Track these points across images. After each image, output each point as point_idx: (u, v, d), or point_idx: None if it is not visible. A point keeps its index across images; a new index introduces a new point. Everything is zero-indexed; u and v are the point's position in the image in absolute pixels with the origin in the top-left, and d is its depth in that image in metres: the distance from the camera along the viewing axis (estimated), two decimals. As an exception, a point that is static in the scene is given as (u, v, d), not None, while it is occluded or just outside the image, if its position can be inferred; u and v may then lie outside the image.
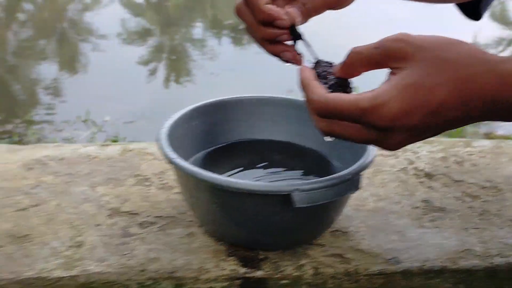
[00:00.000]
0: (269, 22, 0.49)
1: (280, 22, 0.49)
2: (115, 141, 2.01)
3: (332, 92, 0.44)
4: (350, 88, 0.46)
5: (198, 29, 4.12)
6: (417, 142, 0.44)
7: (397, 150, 0.77)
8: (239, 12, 0.51)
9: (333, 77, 0.45)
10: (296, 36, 0.51)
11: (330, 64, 0.47)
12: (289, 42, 0.52)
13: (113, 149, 0.76)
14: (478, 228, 0.62)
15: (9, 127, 2.21)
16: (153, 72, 3.03)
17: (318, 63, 0.48)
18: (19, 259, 0.53)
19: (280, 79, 2.77)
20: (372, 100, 0.40)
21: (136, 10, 4.76)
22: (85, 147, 0.76)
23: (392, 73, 0.42)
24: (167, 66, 3.19)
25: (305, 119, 0.66)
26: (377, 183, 0.70)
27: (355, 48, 0.43)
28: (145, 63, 3.20)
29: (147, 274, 0.52)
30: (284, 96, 0.69)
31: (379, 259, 0.56)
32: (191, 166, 0.51)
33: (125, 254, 0.54)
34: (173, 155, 0.52)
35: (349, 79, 0.46)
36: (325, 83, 0.45)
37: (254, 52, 3.34)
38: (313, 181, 0.49)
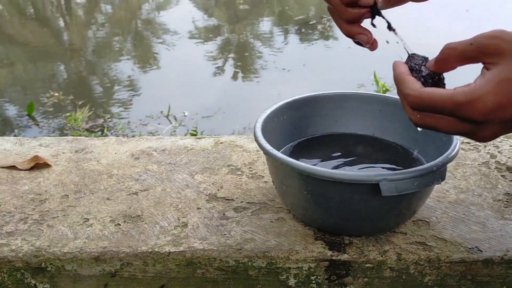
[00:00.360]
0: (354, 2, 0.52)
1: (364, 1, 0.52)
2: (194, 134, 2.12)
3: (425, 86, 0.46)
4: (444, 83, 0.48)
5: (268, 25, 4.18)
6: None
7: (477, 144, 0.78)
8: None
9: (426, 71, 0.47)
10: (377, 13, 0.53)
11: (424, 59, 0.48)
12: (369, 21, 0.54)
13: (207, 142, 0.83)
14: None
15: (100, 121, 2.39)
16: (226, 69, 3.14)
17: (411, 57, 0.49)
18: (134, 235, 0.61)
19: (351, 74, 2.78)
20: (468, 95, 0.42)
21: (206, 9, 4.90)
22: (182, 139, 0.84)
23: (486, 68, 0.43)
24: (240, 63, 3.29)
25: (388, 114, 0.71)
26: (458, 176, 0.72)
27: (449, 44, 0.45)
28: (217, 59, 3.31)
29: (243, 252, 0.58)
30: (366, 92, 0.72)
31: (461, 248, 0.58)
32: (285, 157, 0.56)
33: (224, 234, 0.61)
34: (269, 147, 0.58)
35: (442, 74, 0.48)
36: (418, 77, 0.47)
37: (324, 47, 3.35)
38: (401, 172, 0.52)
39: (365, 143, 0.72)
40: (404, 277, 0.58)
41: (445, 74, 0.48)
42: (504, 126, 0.44)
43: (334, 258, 0.58)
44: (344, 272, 0.58)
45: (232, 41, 3.85)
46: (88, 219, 0.64)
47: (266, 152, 0.58)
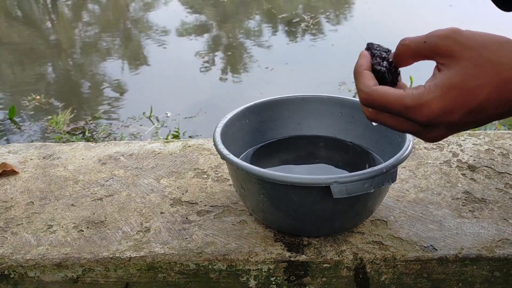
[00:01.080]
0: None
1: None
2: (176, 135, 2.12)
3: (382, 77, 0.47)
4: (398, 76, 0.48)
5: (253, 24, 4.19)
6: (462, 134, 0.47)
7: (440, 142, 0.80)
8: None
9: (386, 64, 0.47)
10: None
11: (387, 50, 0.49)
12: None
13: (175, 145, 0.84)
14: (517, 218, 0.64)
15: (81, 123, 2.38)
16: (209, 68, 3.14)
17: (373, 47, 0.49)
18: (97, 241, 0.62)
19: (333, 72, 2.80)
20: (415, 99, 0.43)
21: (194, 6, 4.90)
22: (150, 143, 0.85)
23: (438, 68, 0.44)
24: (224, 62, 3.29)
25: (349, 116, 0.72)
26: (419, 175, 0.74)
27: (404, 40, 0.46)
28: (202, 59, 3.32)
29: (203, 256, 0.59)
30: (327, 94, 0.73)
31: (416, 247, 0.60)
32: (242, 162, 0.57)
33: (186, 238, 0.62)
34: (226, 152, 0.59)
35: (399, 69, 0.48)
36: (379, 66, 0.47)
37: (308, 46, 3.37)
38: (351, 174, 0.53)
39: (327, 145, 0.73)
40: (361, 276, 0.59)
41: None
42: (451, 128, 0.45)
43: (292, 259, 0.59)
44: (303, 272, 0.59)
45: (217, 40, 3.85)
46: (51, 226, 0.65)
47: (223, 157, 0.59)
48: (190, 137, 2.21)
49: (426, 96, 0.43)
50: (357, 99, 0.73)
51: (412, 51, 0.45)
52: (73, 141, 2.15)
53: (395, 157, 0.56)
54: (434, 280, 0.60)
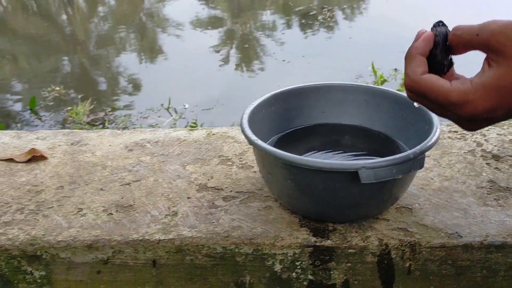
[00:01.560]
0: None
1: None
2: (194, 127, 2.14)
3: (440, 69, 0.46)
4: (452, 66, 0.48)
5: (269, 17, 4.19)
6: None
7: (464, 132, 0.80)
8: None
9: (448, 57, 0.46)
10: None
11: (444, 34, 0.47)
12: None
13: (199, 133, 0.85)
14: (543, 207, 0.64)
15: (101, 114, 2.41)
16: (226, 61, 3.15)
17: (438, 30, 0.47)
18: (126, 224, 0.63)
19: (350, 65, 2.79)
20: (462, 96, 0.43)
21: (209, 0, 4.90)
22: (176, 131, 0.86)
23: (487, 63, 0.43)
24: (240, 55, 3.30)
25: (374, 104, 0.72)
26: (444, 164, 0.74)
27: (456, 30, 0.45)
28: (218, 51, 3.33)
29: (230, 239, 0.60)
30: (352, 82, 0.74)
31: (441, 234, 0.60)
32: (269, 147, 0.58)
33: (212, 222, 0.63)
34: (254, 137, 0.60)
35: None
36: (443, 60, 0.46)
37: (324, 38, 3.36)
38: (379, 160, 0.54)
39: (351, 133, 0.74)
40: (386, 262, 0.60)
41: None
42: (491, 122, 0.47)
43: (318, 244, 0.60)
44: (328, 257, 0.60)
45: (233, 33, 3.86)
46: (82, 209, 0.67)
47: (251, 143, 0.60)
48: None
49: (472, 95, 0.43)
50: (381, 87, 0.73)
51: (464, 42, 0.45)
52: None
53: (423, 143, 0.56)
54: (459, 267, 0.60)
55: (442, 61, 0.47)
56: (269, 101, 0.71)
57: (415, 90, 0.47)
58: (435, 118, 0.62)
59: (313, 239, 0.60)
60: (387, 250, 0.60)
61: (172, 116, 2.37)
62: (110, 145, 0.82)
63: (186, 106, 2.45)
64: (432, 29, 0.48)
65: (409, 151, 0.55)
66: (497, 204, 0.65)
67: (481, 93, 0.43)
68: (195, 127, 2.17)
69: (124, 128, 2.29)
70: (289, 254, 0.60)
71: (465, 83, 0.44)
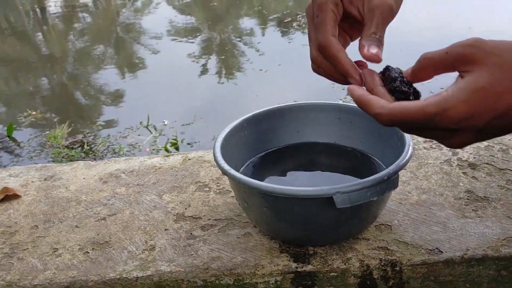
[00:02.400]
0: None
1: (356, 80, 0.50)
2: (174, 143, 2.12)
3: (400, 95, 0.45)
4: (418, 93, 0.47)
5: (245, 26, 4.19)
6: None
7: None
8: (316, 63, 0.52)
9: (400, 82, 0.46)
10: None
11: (400, 70, 0.48)
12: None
13: (175, 159, 0.84)
14: (521, 215, 0.64)
15: (79, 137, 2.38)
16: (203, 73, 3.15)
17: (387, 69, 0.48)
18: (103, 262, 0.62)
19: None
20: (439, 105, 0.42)
21: (184, 11, 4.90)
22: (151, 159, 0.85)
23: (460, 76, 0.43)
24: (217, 67, 3.30)
25: (347, 121, 0.72)
26: (420, 176, 0.74)
27: (426, 54, 0.45)
28: (195, 64, 3.32)
29: (210, 271, 0.59)
30: (325, 101, 0.73)
31: (422, 250, 0.60)
32: (243, 176, 0.57)
33: (191, 254, 0.62)
34: (227, 167, 0.59)
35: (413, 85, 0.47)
36: (394, 88, 0.46)
37: (300, 45, 3.37)
38: (353, 183, 0.53)
39: (327, 151, 0.73)
40: (368, 282, 0.60)
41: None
42: (479, 134, 0.44)
43: (299, 269, 0.59)
44: (310, 282, 0.59)
45: (208, 45, 3.86)
46: (57, 249, 0.65)
47: (224, 172, 0.59)
48: (188, 144, 2.21)
49: (450, 100, 0.42)
50: (353, 104, 0.73)
51: (434, 63, 0.44)
52: (73, 157, 2.15)
53: (396, 163, 0.56)
54: (441, 282, 0.60)
55: (404, 89, 0.46)
56: (242, 125, 0.70)
57: (393, 121, 0.45)
58: (407, 135, 0.62)
59: (294, 264, 0.59)
60: (368, 271, 0.59)
61: (152, 133, 2.35)
62: (84, 178, 0.81)
63: (166, 123, 2.43)
64: (383, 72, 0.48)
65: (383, 173, 0.54)
66: (476, 215, 0.65)
67: (459, 97, 0.42)
68: (176, 143, 2.15)
69: (104, 150, 2.26)
70: (271, 282, 0.59)
71: (440, 94, 0.43)
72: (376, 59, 0.49)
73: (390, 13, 0.51)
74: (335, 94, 2.46)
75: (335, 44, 0.50)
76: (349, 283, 0.59)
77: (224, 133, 0.67)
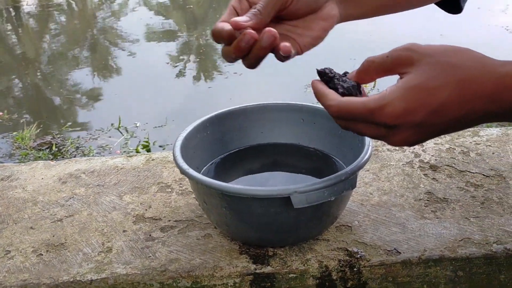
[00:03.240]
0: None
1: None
2: (146, 146, 2.09)
3: (347, 95, 0.48)
4: (361, 91, 0.50)
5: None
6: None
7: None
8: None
9: (347, 83, 0.49)
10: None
11: (343, 74, 0.51)
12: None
13: (138, 160, 0.83)
14: (478, 216, 0.65)
15: (48, 138, 2.33)
16: (178, 76, 3.12)
17: (328, 73, 0.51)
18: (56, 265, 0.60)
19: (299, 75, 2.82)
20: (378, 101, 0.45)
21: (161, 12, 4.87)
22: (113, 159, 0.83)
23: (400, 78, 0.46)
24: (193, 69, 3.28)
25: (310, 122, 0.72)
26: (383, 178, 0.74)
27: (369, 57, 0.48)
28: (170, 66, 3.29)
29: (167, 274, 0.58)
30: (286, 101, 0.73)
31: (380, 251, 0.60)
32: (201, 176, 0.56)
33: (149, 256, 0.61)
34: (185, 166, 0.58)
35: (361, 85, 0.50)
36: (341, 88, 0.49)
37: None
38: (310, 183, 0.53)
39: (290, 152, 0.73)
40: (327, 283, 0.59)
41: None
42: (415, 131, 0.46)
43: (258, 271, 0.58)
44: (269, 284, 0.59)
45: (184, 47, 3.83)
46: (9, 251, 0.63)
47: (182, 172, 0.58)
48: (160, 146, 2.19)
49: (388, 97, 0.45)
50: (317, 105, 0.73)
51: (376, 66, 0.48)
52: (40, 158, 2.10)
53: (354, 163, 0.56)
54: (399, 283, 0.60)
55: (344, 85, 0.49)
56: (204, 125, 0.69)
57: (340, 114, 0.48)
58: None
59: (253, 266, 0.59)
60: (327, 272, 0.59)
61: (123, 135, 2.32)
62: (42, 178, 0.78)
63: (138, 125, 2.40)
64: (321, 77, 0.51)
65: (340, 172, 0.54)
66: (435, 216, 0.65)
67: (396, 94, 0.44)
68: (148, 146, 2.13)
69: (73, 152, 2.22)
70: (229, 284, 0.59)
71: (381, 92, 0.46)
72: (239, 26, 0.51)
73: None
74: (308, 96, 2.47)
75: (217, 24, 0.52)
76: (308, 284, 0.59)
77: (185, 132, 0.66)
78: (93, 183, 0.77)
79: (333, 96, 0.48)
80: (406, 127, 0.45)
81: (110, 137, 2.28)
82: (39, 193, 0.75)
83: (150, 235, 0.64)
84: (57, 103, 3.00)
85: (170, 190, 0.74)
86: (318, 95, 0.50)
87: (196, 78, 3.10)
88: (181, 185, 0.75)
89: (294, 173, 0.70)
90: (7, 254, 0.62)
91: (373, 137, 0.49)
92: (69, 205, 0.71)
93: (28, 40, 4.62)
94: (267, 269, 0.58)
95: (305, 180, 0.65)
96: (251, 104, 0.73)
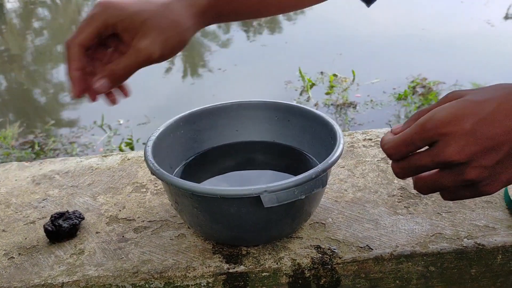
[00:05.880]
0: None
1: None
2: (129, 143, 2.08)
3: None
4: None
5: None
6: None
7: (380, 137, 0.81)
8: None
9: None
10: None
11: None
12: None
13: (113, 159, 0.82)
14: (450, 212, 0.66)
15: (30, 137, 2.31)
16: (162, 72, 3.10)
17: None
18: (28, 268, 0.60)
19: (280, 71, 2.82)
20: (427, 115, 0.45)
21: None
22: (88, 159, 0.83)
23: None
24: (176, 65, 3.26)
25: (284, 120, 0.72)
26: (357, 174, 0.74)
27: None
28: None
29: (140, 275, 0.58)
30: (262, 99, 0.73)
31: (353, 247, 0.60)
32: (171, 176, 0.56)
33: (121, 258, 0.60)
34: (155, 167, 0.57)
35: None
36: None
37: (260, 45, 3.37)
38: (280, 183, 0.53)
39: (265, 150, 0.73)
40: (300, 281, 0.59)
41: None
42: (472, 141, 0.43)
43: (231, 270, 0.58)
44: (242, 283, 0.59)
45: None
46: (-20, 255, 0.62)
47: (153, 172, 0.57)
48: (144, 143, 2.17)
49: (435, 109, 0.45)
50: (291, 102, 0.73)
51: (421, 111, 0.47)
52: (23, 158, 2.08)
53: (324, 162, 0.56)
54: (372, 279, 0.60)
55: None
56: (177, 124, 0.69)
57: (396, 148, 0.47)
58: (339, 132, 0.62)
59: (226, 266, 0.59)
60: (300, 270, 0.59)
61: (106, 133, 2.30)
62: (16, 180, 0.78)
63: (121, 122, 2.38)
64: None
65: (310, 171, 0.54)
66: (407, 212, 0.66)
67: (443, 106, 0.45)
68: (131, 143, 2.11)
69: (55, 150, 2.19)
70: (202, 284, 0.58)
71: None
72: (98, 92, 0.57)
73: (146, 60, 0.55)
74: (288, 92, 2.47)
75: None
76: (281, 282, 0.59)
77: (157, 131, 0.65)
78: (67, 184, 0.76)
79: (389, 135, 0.48)
80: (457, 136, 0.43)
81: (93, 135, 2.27)
82: (13, 195, 0.74)
83: (123, 236, 0.64)
84: (40, 100, 2.97)
85: (145, 190, 0.74)
86: (382, 144, 0.49)
87: (179, 75, 3.08)
88: (156, 185, 0.75)
89: (269, 171, 0.70)
90: (-23, 258, 0.62)
91: (456, 190, 0.47)
92: (42, 207, 0.71)
93: (12, 37, 4.56)
94: (240, 268, 0.58)
95: (280, 179, 0.65)
96: (225, 102, 0.73)
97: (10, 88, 3.22)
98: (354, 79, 2.62)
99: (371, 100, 2.49)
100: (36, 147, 2.19)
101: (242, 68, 2.95)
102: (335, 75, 2.63)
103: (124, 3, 0.55)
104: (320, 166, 0.55)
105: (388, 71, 2.79)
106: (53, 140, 2.26)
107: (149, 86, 2.87)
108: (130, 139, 2.15)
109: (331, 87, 2.56)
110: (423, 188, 0.48)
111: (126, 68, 0.55)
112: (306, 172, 0.54)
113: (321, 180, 0.55)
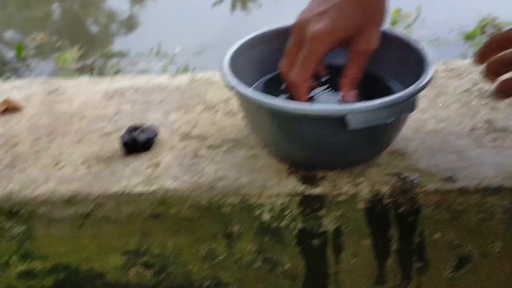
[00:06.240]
0: None
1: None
2: (185, 72, 2.08)
3: None
4: None
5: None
6: None
7: (461, 70, 0.76)
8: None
9: None
10: None
11: None
12: None
13: (182, 79, 0.81)
14: (542, 147, 0.61)
15: (89, 61, 2.34)
16: (217, 2, 3.03)
17: None
18: (106, 177, 0.61)
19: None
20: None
21: None
22: (157, 78, 0.82)
23: None
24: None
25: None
26: (438, 105, 0.70)
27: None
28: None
29: (215, 190, 0.58)
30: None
31: (436, 178, 0.57)
32: (251, 92, 0.54)
33: (196, 173, 0.60)
34: (234, 82, 0.56)
35: None
36: None
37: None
38: (367, 104, 0.50)
39: (342, 74, 0.69)
40: (378, 208, 0.58)
41: None
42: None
43: (307, 192, 0.57)
44: (318, 205, 0.58)
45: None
46: (59, 162, 0.64)
47: (232, 88, 0.56)
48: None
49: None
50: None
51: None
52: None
53: (415, 84, 0.52)
54: (454, 211, 0.58)
55: None
56: (254, 41, 0.66)
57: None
58: (429, 57, 0.58)
59: (302, 187, 0.58)
60: (379, 197, 0.57)
61: (163, 61, 2.30)
62: (88, 93, 0.78)
63: (177, 50, 2.37)
64: None
65: (400, 93, 0.51)
66: (493, 146, 0.62)
67: None
68: (187, 72, 2.11)
69: (114, 75, 2.22)
70: (277, 204, 0.58)
71: None
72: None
73: (370, 56, 0.60)
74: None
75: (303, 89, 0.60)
76: (358, 208, 0.58)
77: (234, 47, 0.63)
78: (138, 100, 0.76)
79: None
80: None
81: (150, 61, 2.27)
82: (86, 107, 0.75)
83: (197, 152, 0.64)
84: (96, 28, 2.99)
85: (216, 110, 0.73)
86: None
87: (236, 5, 3.00)
88: (227, 106, 0.73)
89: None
90: (57, 164, 0.63)
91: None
92: (115, 120, 0.71)
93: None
94: (317, 191, 0.57)
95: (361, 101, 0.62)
96: (303, 21, 0.69)
97: (68, 16, 3.25)
98: (418, 15, 2.47)
99: (436, 39, 2.35)
100: (96, 71, 2.22)
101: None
102: (398, 10, 2.49)
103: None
104: (410, 89, 0.52)
105: (456, 8, 2.61)
106: (111, 65, 2.28)
107: (206, 16, 2.82)
108: (186, 67, 2.14)
109: (394, 23, 2.43)
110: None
111: (361, 68, 0.62)
112: (394, 95, 0.51)
113: (410, 104, 0.52)
